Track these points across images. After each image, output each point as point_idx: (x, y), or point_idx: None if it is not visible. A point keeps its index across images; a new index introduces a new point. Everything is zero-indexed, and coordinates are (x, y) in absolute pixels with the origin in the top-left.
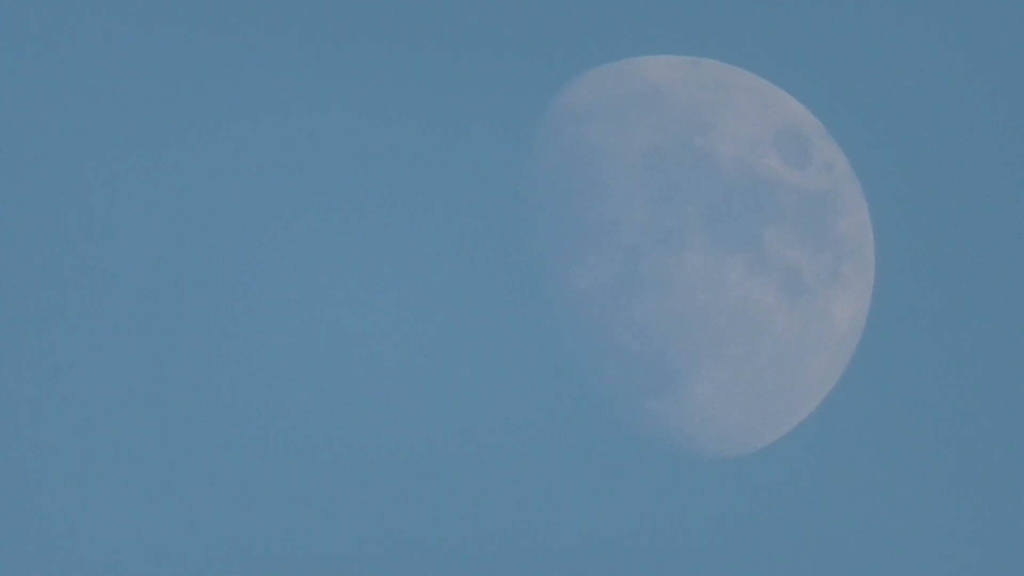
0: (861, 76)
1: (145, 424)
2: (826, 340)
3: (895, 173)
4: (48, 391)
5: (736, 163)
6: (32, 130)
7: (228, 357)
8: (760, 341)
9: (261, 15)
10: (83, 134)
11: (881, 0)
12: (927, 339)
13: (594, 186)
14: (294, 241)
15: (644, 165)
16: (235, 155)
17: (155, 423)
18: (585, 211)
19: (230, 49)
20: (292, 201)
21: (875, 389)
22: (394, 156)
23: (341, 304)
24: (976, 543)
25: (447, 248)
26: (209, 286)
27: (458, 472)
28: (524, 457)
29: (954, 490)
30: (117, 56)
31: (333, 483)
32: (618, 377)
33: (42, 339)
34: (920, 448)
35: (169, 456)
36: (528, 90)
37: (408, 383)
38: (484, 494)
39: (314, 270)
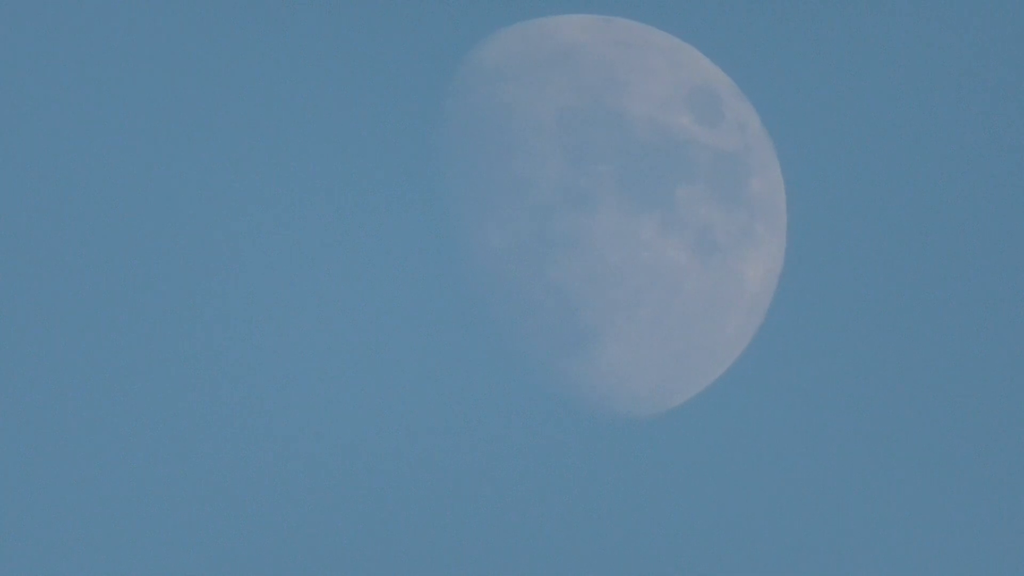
0: (773, 34)
1: (110, 427)
2: (739, 300)
3: (807, 132)
4: (38, 392)
5: (649, 122)
6: (10, 129)
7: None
8: (673, 301)
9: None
10: (42, 138)
11: None
12: (839, 299)
13: (507, 145)
14: (210, 209)
15: (556, 124)
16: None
17: (112, 427)
18: (498, 171)
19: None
20: (207, 172)
21: (787, 349)
22: (305, 117)
23: (260, 271)
24: (885, 499)
25: (358, 209)
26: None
27: (371, 432)
28: (435, 416)
29: (865, 448)
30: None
31: (247, 452)
32: (531, 337)
33: (32, 339)
34: (831, 408)
35: (131, 459)
36: (440, 49)
37: (321, 344)
38: (398, 455)
39: (233, 239)
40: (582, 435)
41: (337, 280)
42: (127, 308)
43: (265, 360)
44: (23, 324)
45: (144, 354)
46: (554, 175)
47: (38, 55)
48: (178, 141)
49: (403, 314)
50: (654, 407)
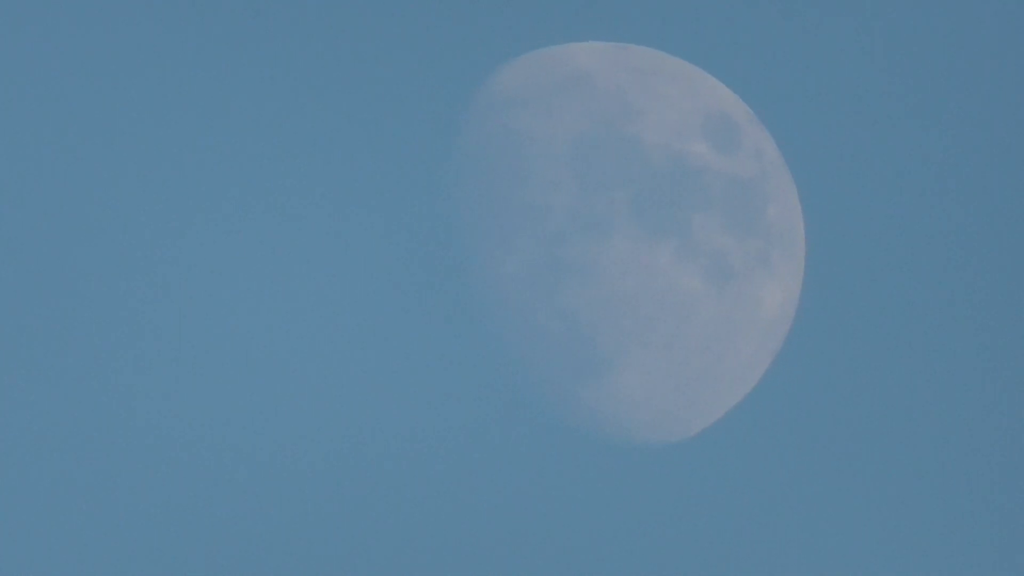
0: (790, 61)
1: (86, 429)
2: (755, 326)
3: (824, 159)
4: (36, 391)
5: (664, 149)
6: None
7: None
8: (688, 328)
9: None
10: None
11: None
12: (857, 325)
13: (521, 172)
14: (219, 232)
15: (571, 152)
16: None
17: (86, 430)
18: (512, 197)
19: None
20: (215, 193)
21: (805, 376)
22: (321, 142)
23: (272, 293)
24: (904, 528)
25: (373, 235)
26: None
27: (384, 462)
28: (449, 446)
29: (883, 477)
30: None
31: (254, 480)
32: (545, 364)
33: (30, 339)
34: (849, 436)
35: (102, 460)
36: (456, 77)
37: (330, 371)
38: (412, 483)
39: (243, 264)
40: (597, 463)
41: (349, 306)
42: (110, 310)
43: (270, 386)
44: (21, 323)
45: (126, 355)
46: (568, 202)
47: (32, 54)
48: (187, 165)
49: (416, 341)
50: (669, 435)
